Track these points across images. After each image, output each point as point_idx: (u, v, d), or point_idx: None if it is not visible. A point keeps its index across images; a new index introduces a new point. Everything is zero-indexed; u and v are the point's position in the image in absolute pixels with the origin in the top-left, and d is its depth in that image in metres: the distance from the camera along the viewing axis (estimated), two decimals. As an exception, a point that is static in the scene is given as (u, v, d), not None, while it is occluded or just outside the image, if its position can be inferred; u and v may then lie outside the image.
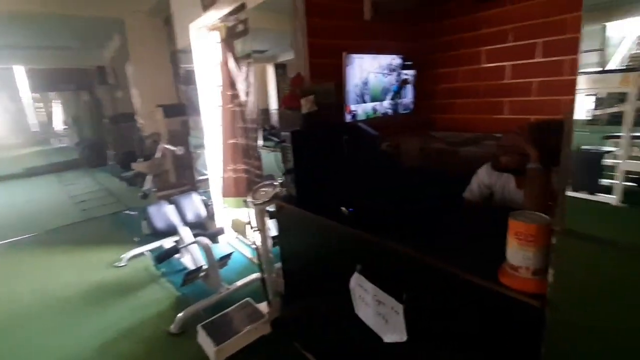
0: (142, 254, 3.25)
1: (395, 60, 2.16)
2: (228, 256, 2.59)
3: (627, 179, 3.11)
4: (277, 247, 2.26)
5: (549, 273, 0.77)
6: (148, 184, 4.11)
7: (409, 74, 2.28)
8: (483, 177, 1.64)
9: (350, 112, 1.97)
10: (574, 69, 1.73)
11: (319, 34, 1.84)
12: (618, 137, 3.12)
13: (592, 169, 3.19)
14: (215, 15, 2.46)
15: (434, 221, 1.34)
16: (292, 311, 2.01)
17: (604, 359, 0.77)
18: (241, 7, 2.25)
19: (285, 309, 2.12)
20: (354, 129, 1.64)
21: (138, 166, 4.32)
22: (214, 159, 3.19)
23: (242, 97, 2.38)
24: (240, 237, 3.31)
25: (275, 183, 2.02)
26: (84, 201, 5.66)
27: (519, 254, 0.86)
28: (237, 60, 2.41)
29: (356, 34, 2.04)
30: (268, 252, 2.10)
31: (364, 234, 1.26)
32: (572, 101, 1.72)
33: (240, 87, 2.39)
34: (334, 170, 1.64)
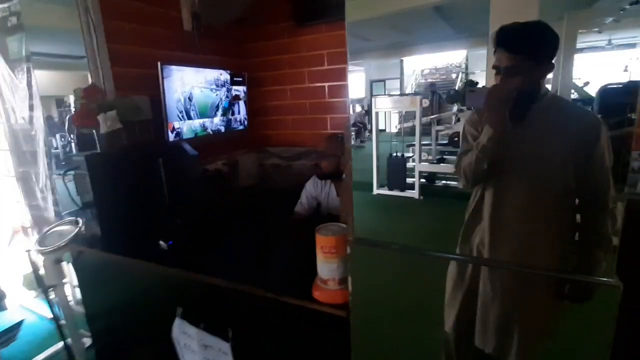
0: None
1: (223, 75, 2.07)
2: (15, 327, 1.90)
3: (422, 177, 4.18)
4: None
5: (349, 282, 0.80)
6: None
7: (239, 90, 2.23)
8: (310, 189, 1.72)
9: (174, 130, 1.76)
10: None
11: (123, 40, 1.57)
12: (414, 144, 4.05)
13: (401, 171, 3.93)
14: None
15: (262, 243, 1.28)
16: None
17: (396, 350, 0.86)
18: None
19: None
20: (174, 149, 1.44)
21: None
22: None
23: (23, 113, 1.81)
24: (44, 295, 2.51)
25: (79, 220, 1.59)
26: None
27: (325, 266, 0.87)
28: (11, 64, 1.83)
29: (176, 45, 1.85)
30: (72, 312, 1.63)
31: (181, 272, 1.08)
32: (346, 119, 2.03)
33: (19, 98, 1.81)
34: (148, 199, 1.39)
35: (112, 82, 1.49)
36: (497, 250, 1.01)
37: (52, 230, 1.58)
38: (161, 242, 1.25)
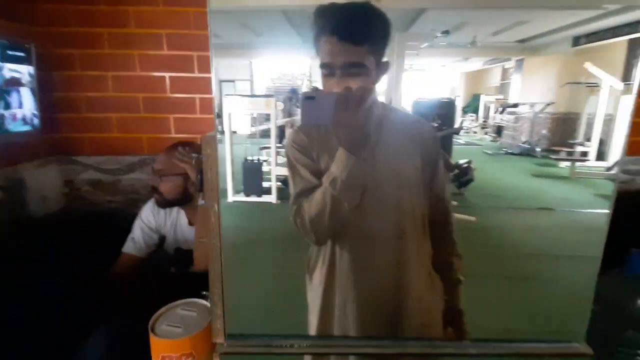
0: None
1: (-20, 42, 1.28)
2: None
3: (278, 181, 4.06)
4: None
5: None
6: None
7: (20, 70, 1.46)
8: (148, 219, 1.24)
9: None
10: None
11: None
12: (269, 147, 3.89)
13: (256, 176, 3.71)
14: None
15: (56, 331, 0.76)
16: None
17: None
18: None
19: None
20: None
21: None
22: None
23: None
24: None
25: None
26: None
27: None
28: None
29: None
30: None
31: None
32: (212, 120, 1.69)
33: None
34: None
35: None
36: (369, 320, 0.72)
37: None
38: None
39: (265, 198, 3.54)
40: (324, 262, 0.73)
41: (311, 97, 0.60)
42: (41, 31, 1.61)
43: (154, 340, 0.46)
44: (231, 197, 3.35)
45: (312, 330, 0.75)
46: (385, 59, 0.67)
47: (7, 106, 1.41)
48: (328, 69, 0.64)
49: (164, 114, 1.73)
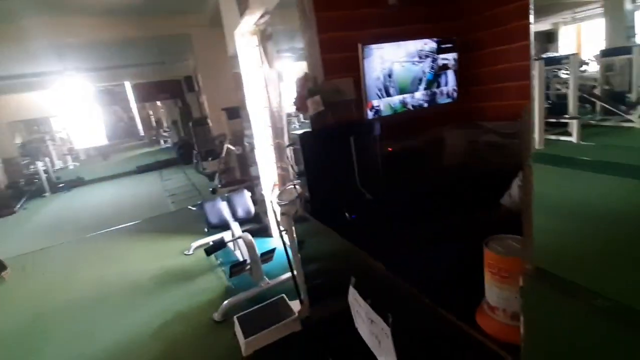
0: (207, 243, 3.60)
1: (427, 44, 1.92)
2: (271, 252, 2.70)
3: None
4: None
5: (520, 322, 0.60)
6: (216, 180, 4.53)
7: (448, 58, 2.01)
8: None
9: (372, 108, 1.83)
10: None
11: (330, 28, 1.74)
12: None
13: None
14: (250, 20, 2.53)
15: (446, 235, 1.17)
16: (317, 313, 2.00)
17: None
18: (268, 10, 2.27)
19: (313, 310, 2.12)
20: (365, 128, 1.52)
21: (209, 164, 4.79)
22: (263, 157, 3.34)
23: (274, 99, 2.43)
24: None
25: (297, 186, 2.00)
26: (174, 194, 6.55)
27: (493, 291, 0.69)
28: (271, 61, 2.46)
29: (376, 22, 1.87)
30: (297, 252, 2.11)
31: (352, 246, 1.17)
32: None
33: (272, 88, 2.43)
34: (342, 174, 1.55)
35: (322, 69, 1.70)
36: None
37: (287, 187, 2.08)
38: (347, 215, 1.38)
39: None
40: None
41: None
42: (460, 24, 2.06)
43: (486, 252, 0.68)
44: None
45: None
46: None
47: (438, 85, 2.03)
48: None
49: (561, 77, 1.68)
